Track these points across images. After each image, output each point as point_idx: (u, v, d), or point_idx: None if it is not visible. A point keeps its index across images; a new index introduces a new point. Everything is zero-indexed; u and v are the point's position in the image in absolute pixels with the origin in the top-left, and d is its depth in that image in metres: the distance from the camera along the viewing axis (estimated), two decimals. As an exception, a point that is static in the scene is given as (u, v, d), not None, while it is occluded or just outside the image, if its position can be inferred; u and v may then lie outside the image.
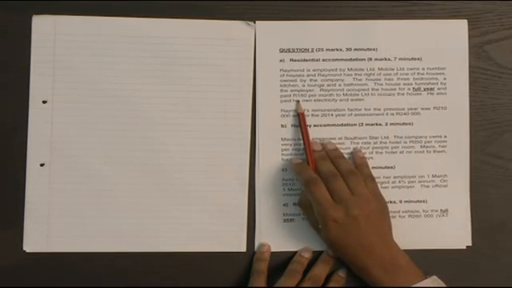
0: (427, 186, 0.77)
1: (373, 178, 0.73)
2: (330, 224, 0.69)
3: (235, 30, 0.77)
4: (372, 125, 0.77)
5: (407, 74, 0.77)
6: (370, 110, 0.77)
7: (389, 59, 0.77)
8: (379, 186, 0.75)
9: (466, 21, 0.77)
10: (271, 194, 0.77)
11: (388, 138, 0.77)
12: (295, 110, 0.76)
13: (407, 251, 0.74)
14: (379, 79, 0.77)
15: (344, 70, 0.77)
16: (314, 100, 0.77)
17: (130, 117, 0.76)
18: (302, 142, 0.76)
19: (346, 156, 0.76)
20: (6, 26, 0.76)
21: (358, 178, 0.71)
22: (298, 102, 0.76)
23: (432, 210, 0.77)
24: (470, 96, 0.77)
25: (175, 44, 0.76)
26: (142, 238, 0.76)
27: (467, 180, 0.77)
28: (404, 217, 0.77)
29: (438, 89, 0.77)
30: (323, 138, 0.77)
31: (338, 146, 0.76)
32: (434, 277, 0.69)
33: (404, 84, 0.77)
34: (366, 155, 0.76)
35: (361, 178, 0.72)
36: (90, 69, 0.76)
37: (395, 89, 0.77)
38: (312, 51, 0.77)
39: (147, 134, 0.76)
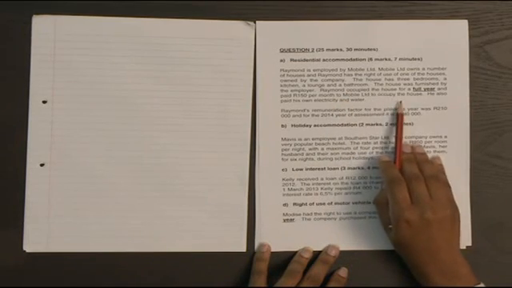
0: (427, 186, 0.77)
1: (449, 186, 0.73)
2: (402, 225, 0.69)
3: (235, 29, 0.77)
4: (372, 125, 0.77)
5: (407, 74, 0.77)
6: (370, 110, 0.77)
7: (389, 59, 0.77)
8: (379, 185, 0.76)
9: (466, 21, 0.77)
10: (271, 193, 0.77)
11: (388, 138, 0.77)
12: (394, 109, 0.76)
13: (407, 251, 0.75)
14: (379, 79, 0.77)
15: (344, 70, 0.77)
16: (315, 100, 0.77)
17: (130, 117, 0.76)
18: (301, 141, 0.76)
19: (346, 156, 0.76)
20: (6, 25, 0.76)
21: (439, 184, 0.71)
22: (400, 102, 0.76)
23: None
24: (470, 96, 0.77)
25: (175, 44, 0.76)
26: (142, 238, 0.76)
27: (467, 180, 0.77)
28: (404, 217, 0.77)
29: (439, 89, 0.77)
30: (323, 137, 0.77)
31: (338, 146, 0.77)
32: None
33: (404, 84, 0.77)
34: (365, 155, 0.76)
35: (442, 183, 0.72)
36: (89, 69, 0.76)
37: (395, 89, 0.77)
38: (312, 51, 0.77)
39: (147, 133, 0.76)
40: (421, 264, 0.70)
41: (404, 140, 0.76)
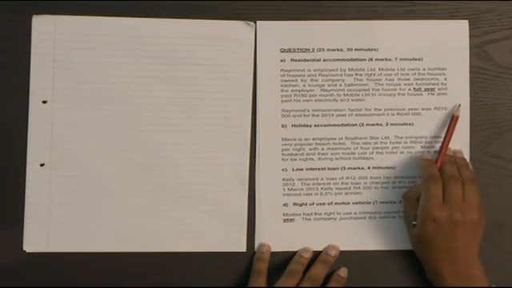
0: (427, 186, 0.77)
1: (481, 193, 0.73)
2: (428, 222, 0.69)
3: (235, 29, 0.77)
4: (372, 125, 0.77)
5: (408, 75, 0.77)
6: (370, 110, 0.77)
7: (389, 59, 0.77)
8: (379, 185, 0.76)
9: (466, 21, 0.77)
10: (271, 193, 0.77)
11: (388, 138, 0.77)
12: (451, 113, 0.77)
13: (407, 251, 0.75)
14: (380, 79, 0.77)
15: (345, 70, 0.77)
16: (315, 100, 0.77)
17: (130, 117, 0.76)
18: (301, 141, 0.76)
19: (346, 157, 0.76)
20: (6, 25, 0.76)
21: (474, 188, 0.71)
22: (459, 105, 0.76)
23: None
24: (470, 96, 0.77)
25: (175, 44, 0.76)
26: (142, 238, 0.76)
27: (467, 180, 0.77)
28: (404, 217, 0.77)
29: (439, 89, 0.77)
30: (324, 138, 0.77)
31: (338, 146, 0.77)
32: None
33: (405, 84, 0.77)
34: (365, 155, 0.77)
35: (477, 188, 0.72)
36: (89, 69, 0.76)
37: (396, 89, 0.77)
38: (313, 51, 0.77)
39: (147, 133, 0.76)
40: (437, 262, 0.70)
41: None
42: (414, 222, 0.71)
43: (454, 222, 0.69)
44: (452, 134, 0.75)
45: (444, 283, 0.70)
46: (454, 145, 0.77)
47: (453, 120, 0.76)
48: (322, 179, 0.77)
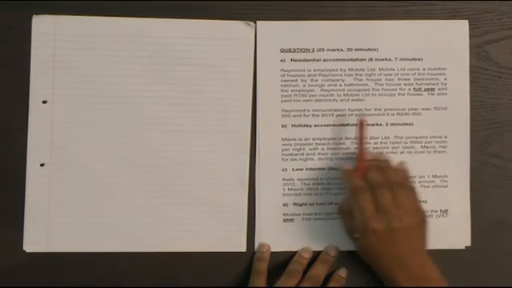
0: (427, 187, 0.77)
1: (415, 192, 0.72)
2: (368, 234, 0.68)
3: (235, 29, 0.77)
4: (372, 125, 0.77)
5: (408, 75, 0.77)
6: (370, 110, 0.77)
7: (389, 59, 0.77)
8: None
9: (466, 21, 0.77)
10: (271, 194, 0.77)
11: (388, 138, 0.77)
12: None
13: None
14: (380, 79, 0.77)
15: (345, 70, 0.77)
16: (315, 100, 0.77)
17: (130, 117, 0.76)
18: (301, 141, 0.76)
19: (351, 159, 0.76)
20: (6, 25, 0.76)
21: (405, 191, 0.70)
22: (361, 116, 0.76)
23: (432, 211, 0.77)
24: (470, 96, 0.78)
25: (175, 44, 0.76)
26: (141, 238, 0.76)
27: (467, 180, 0.77)
28: (404, 217, 0.77)
29: (439, 89, 0.77)
30: (324, 138, 0.77)
31: (337, 146, 0.77)
32: None
33: (405, 84, 0.77)
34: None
35: (408, 190, 0.71)
36: (89, 69, 0.76)
37: (396, 89, 0.77)
38: (313, 51, 0.77)
39: (147, 133, 0.76)
40: (388, 270, 0.69)
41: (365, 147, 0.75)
42: (356, 235, 0.70)
43: (394, 231, 0.68)
44: (362, 138, 0.74)
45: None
46: (454, 145, 0.77)
47: (358, 126, 0.74)
48: (322, 179, 0.77)
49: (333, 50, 0.77)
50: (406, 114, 0.77)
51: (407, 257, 0.69)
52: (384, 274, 0.70)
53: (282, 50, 0.77)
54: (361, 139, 0.74)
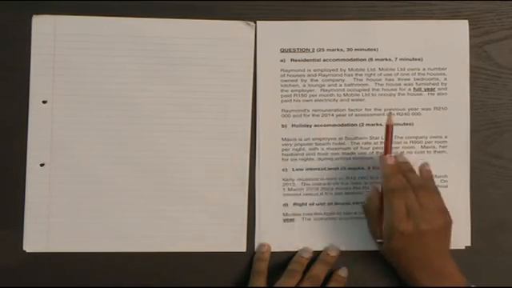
0: (427, 186, 0.77)
1: (438, 193, 0.72)
2: (396, 235, 0.68)
3: (235, 29, 0.77)
4: (373, 125, 0.77)
5: (408, 75, 0.77)
6: (370, 110, 0.77)
7: (389, 59, 0.77)
8: (380, 186, 0.75)
9: (466, 21, 0.77)
10: (271, 194, 0.77)
11: (389, 138, 0.77)
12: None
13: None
14: (380, 79, 0.77)
15: (345, 70, 0.77)
16: (315, 100, 0.77)
17: (130, 117, 0.76)
18: (301, 141, 0.77)
19: (346, 157, 0.76)
20: (6, 25, 0.76)
21: (428, 193, 0.70)
22: (390, 113, 0.75)
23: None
24: (470, 96, 0.78)
25: (175, 44, 0.76)
26: (142, 238, 0.76)
27: (467, 180, 0.77)
28: (404, 217, 0.77)
29: (439, 89, 0.77)
30: (324, 138, 0.77)
31: (338, 146, 0.77)
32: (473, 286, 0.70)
33: (405, 84, 0.77)
34: (365, 155, 0.76)
35: (431, 192, 0.71)
36: (89, 69, 0.76)
37: (396, 89, 0.77)
38: (313, 51, 0.77)
39: (147, 133, 0.76)
40: (409, 268, 0.70)
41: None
42: (380, 240, 0.71)
43: (422, 233, 0.68)
44: (390, 140, 0.73)
45: (419, 284, 0.69)
46: (454, 145, 0.77)
47: (387, 129, 0.73)
48: (322, 179, 0.77)
49: (333, 50, 0.77)
50: (405, 114, 0.77)
51: (431, 257, 0.69)
52: (404, 270, 0.71)
53: (282, 50, 0.77)
54: (389, 140, 0.73)
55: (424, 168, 0.75)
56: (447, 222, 0.70)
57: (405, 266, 0.71)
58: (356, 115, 0.77)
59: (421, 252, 0.69)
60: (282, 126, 0.77)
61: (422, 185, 0.71)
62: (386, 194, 0.70)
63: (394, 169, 0.71)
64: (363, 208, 0.75)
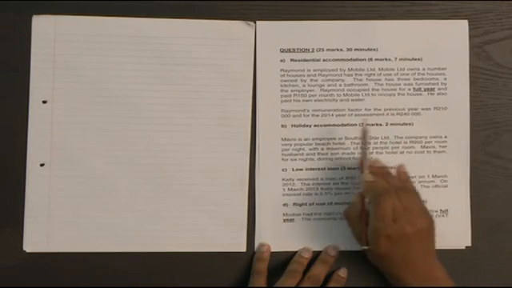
0: (427, 187, 0.77)
1: (418, 194, 0.72)
2: (382, 239, 0.68)
3: (235, 29, 0.77)
4: (372, 125, 0.77)
5: (408, 75, 0.77)
6: (370, 110, 0.77)
7: (389, 59, 0.77)
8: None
9: (466, 21, 0.78)
10: (271, 193, 0.77)
11: (388, 138, 0.77)
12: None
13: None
14: (380, 79, 0.77)
15: (344, 70, 0.77)
16: (315, 100, 0.77)
17: (130, 117, 0.76)
18: (301, 141, 0.77)
19: (345, 157, 0.76)
20: (6, 25, 0.76)
21: (409, 194, 0.70)
22: (366, 119, 0.75)
23: (432, 210, 0.76)
24: (470, 96, 0.78)
25: (175, 44, 0.76)
26: (141, 238, 0.76)
27: (467, 180, 0.77)
28: (404, 217, 0.77)
29: (439, 89, 0.77)
30: (324, 138, 0.77)
31: (338, 146, 0.77)
32: None
33: (404, 84, 0.77)
34: (371, 156, 0.76)
35: (411, 193, 0.71)
36: (89, 69, 0.76)
37: (396, 89, 0.77)
38: (312, 51, 0.77)
39: (147, 133, 0.76)
40: (397, 271, 0.70)
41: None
42: (365, 247, 0.70)
43: (406, 235, 0.67)
44: (366, 145, 0.72)
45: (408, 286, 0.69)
46: (454, 145, 0.77)
47: (362, 133, 0.73)
48: (322, 179, 0.77)
49: (332, 49, 0.77)
50: (405, 113, 0.77)
51: (416, 259, 0.69)
52: (392, 274, 0.70)
53: (282, 50, 0.77)
54: (364, 146, 0.73)
55: (401, 170, 0.73)
56: (430, 222, 0.70)
57: (391, 269, 0.70)
58: (356, 115, 0.77)
59: (406, 254, 0.68)
60: (282, 126, 0.77)
61: (402, 187, 0.70)
62: (373, 200, 0.69)
63: (375, 175, 0.71)
64: (345, 216, 0.74)
